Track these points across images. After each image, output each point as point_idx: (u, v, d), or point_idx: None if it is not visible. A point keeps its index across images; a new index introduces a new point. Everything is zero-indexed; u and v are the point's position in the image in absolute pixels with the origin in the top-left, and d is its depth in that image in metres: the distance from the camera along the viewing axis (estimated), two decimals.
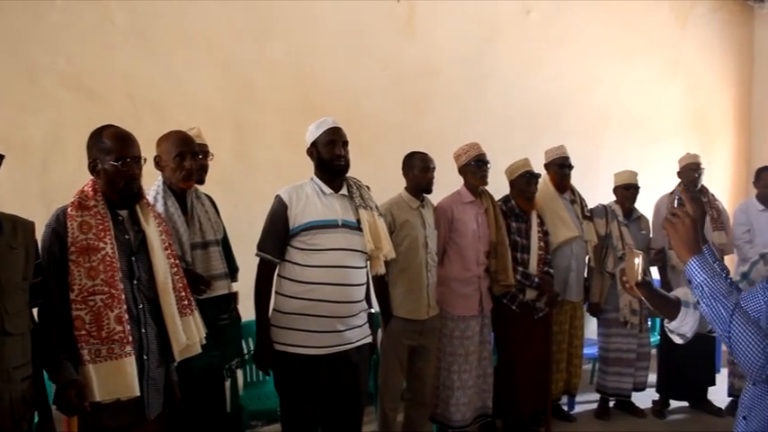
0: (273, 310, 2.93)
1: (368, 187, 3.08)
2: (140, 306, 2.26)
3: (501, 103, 5.51)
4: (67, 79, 3.68)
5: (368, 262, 2.99)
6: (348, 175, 2.99)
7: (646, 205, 4.94)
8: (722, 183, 7.11)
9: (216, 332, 2.74)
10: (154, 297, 2.30)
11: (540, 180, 4.23)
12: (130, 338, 2.15)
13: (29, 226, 2.06)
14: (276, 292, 2.93)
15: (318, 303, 2.80)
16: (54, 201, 2.54)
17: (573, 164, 4.50)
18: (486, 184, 3.95)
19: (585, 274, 4.63)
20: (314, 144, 2.92)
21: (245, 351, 3.44)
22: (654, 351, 5.09)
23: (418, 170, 3.65)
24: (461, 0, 5.25)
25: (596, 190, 5.18)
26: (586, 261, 4.58)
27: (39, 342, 2.05)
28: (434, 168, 3.69)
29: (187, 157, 2.78)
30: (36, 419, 2.09)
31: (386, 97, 4.90)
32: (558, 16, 5.88)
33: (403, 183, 3.74)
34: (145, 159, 2.34)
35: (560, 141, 4.58)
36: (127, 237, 2.29)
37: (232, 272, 3.07)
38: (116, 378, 2.11)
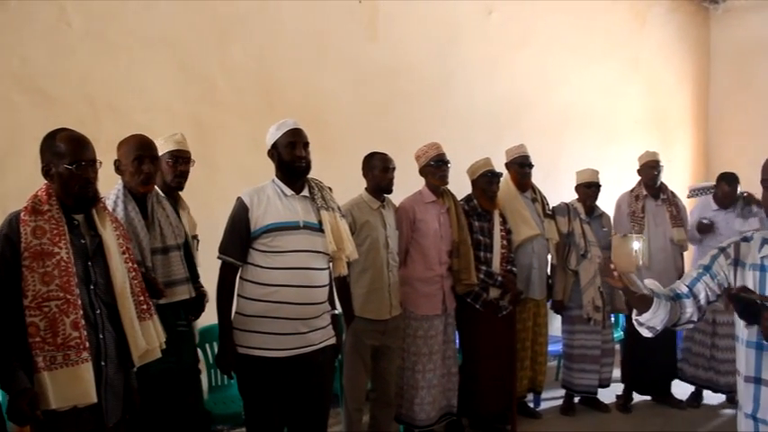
0: (236, 313, 2.90)
1: (330, 188, 3.07)
2: (98, 311, 2.22)
3: (464, 103, 5.55)
4: (23, 82, 3.61)
5: (330, 263, 2.99)
6: (310, 176, 2.98)
7: (607, 203, 5.01)
8: (681, 180, 7.24)
9: (174, 338, 2.70)
10: (112, 302, 2.26)
11: (501, 179, 4.27)
12: (87, 344, 2.11)
13: None
14: (238, 295, 2.91)
15: (281, 305, 2.79)
16: (9, 206, 2.48)
17: (534, 163, 4.55)
18: (446, 183, 3.98)
19: (549, 272, 4.69)
20: (274, 146, 2.91)
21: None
22: (618, 347, 5.18)
23: (378, 171, 3.66)
24: (424, 1, 5.28)
25: (559, 188, 5.25)
26: (548, 259, 4.64)
27: None
28: (394, 169, 3.70)
29: (145, 161, 2.74)
30: None
31: (349, 98, 4.90)
32: (520, 17, 5.95)
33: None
34: (101, 163, 2.30)
35: (523, 140, 4.63)
36: (83, 241, 2.25)
37: (194, 277, 3.03)
38: (72, 385, 2.07)
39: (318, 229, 2.87)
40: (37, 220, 2.14)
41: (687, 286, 2.16)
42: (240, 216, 2.84)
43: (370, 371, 3.70)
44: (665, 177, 5.02)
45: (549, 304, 4.77)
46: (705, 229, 4.88)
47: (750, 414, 2.02)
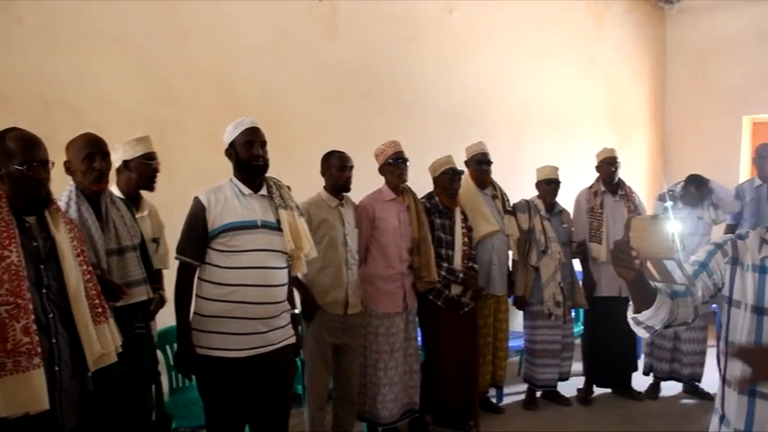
0: (194, 313, 2.88)
1: (288, 187, 3.06)
2: (50, 315, 2.17)
3: (425, 101, 5.57)
4: None
5: (289, 262, 2.97)
6: (269, 175, 2.97)
7: (567, 199, 5.08)
8: (639, 176, 7.38)
9: (132, 341, 2.67)
10: (65, 305, 2.21)
11: (462, 177, 4.29)
12: (39, 350, 2.06)
13: None
14: (197, 296, 2.88)
15: (239, 305, 2.77)
16: None
17: (494, 160, 4.59)
18: (404, 181, 3.99)
19: (510, 268, 4.73)
20: (232, 145, 2.89)
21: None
22: (578, 341, 5.26)
23: (335, 169, 3.66)
24: None
25: (520, 185, 5.30)
26: (509, 255, 4.68)
27: None
28: (352, 167, 3.71)
29: (96, 158, 2.69)
30: None
31: (309, 97, 4.89)
32: (480, 15, 5.99)
33: None
34: (53, 163, 2.26)
35: (484, 138, 4.68)
36: (35, 244, 2.20)
37: (151, 278, 3.00)
38: (23, 391, 2.01)
39: (277, 227, 2.86)
40: None
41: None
42: (197, 216, 2.81)
43: (331, 370, 3.70)
44: (624, 173, 5.11)
45: (510, 300, 4.82)
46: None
47: (743, 430, 1.87)
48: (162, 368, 3.58)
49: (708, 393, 4.89)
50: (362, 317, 3.80)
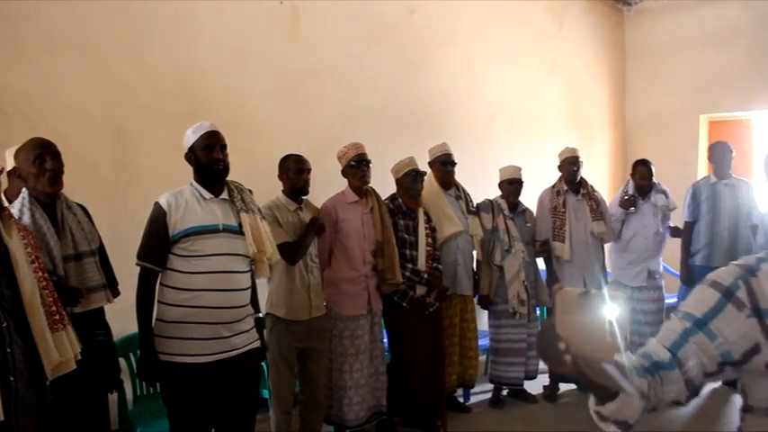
0: (156, 319, 2.84)
1: (250, 191, 3.04)
2: (4, 324, 2.13)
3: (388, 102, 5.58)
4: None
5: (252, 266, 2.96)
6: (231, 178, 2.95)
7: (531, 199, 5.13)
8: (601, 175, 7.48)
9: (93, 348, 2.63)
10: (20, 314, 2.17)
11: (425, 178, 4.31)
12: None
13: None
14: (159, 302, 2.85)
15: (202, 310, 2.74)
16: None
17: (458, 160, 4.62)
18: (367, 183, 3.99)
19: (474, 268, 4.76)
20: (191, 149, 2.86)
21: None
22: None
23: (293, 172, 3.65)
24: (346, 1, 5.28)
25: (483, 185, 5.33)
26: (474, 255, 4.72)
27: None
28: (309, 170, 3.70)
29: (47, 158, 2.66)
30: None
31: (271, 99, 4.86)
32: (442, 17, 6.02)
33: None
34: (2, 170, 2.22)
35: (448, 139, 4.70)
36: None
37: (111, 284, 2.96)
38: None
39: (238, 231, 2.84)
40: None
41: (669, 350, 1.36)
42: (158, 220, 2.78)
43: (297, 373, 3.68)
44: (586, 173, 5.17)
45: (476, 300, 4.85)
46: (629, 203, 5.03)
47: None
48: (125, 375, 3.54)
49: None
50: (327, 320, 3.79)
